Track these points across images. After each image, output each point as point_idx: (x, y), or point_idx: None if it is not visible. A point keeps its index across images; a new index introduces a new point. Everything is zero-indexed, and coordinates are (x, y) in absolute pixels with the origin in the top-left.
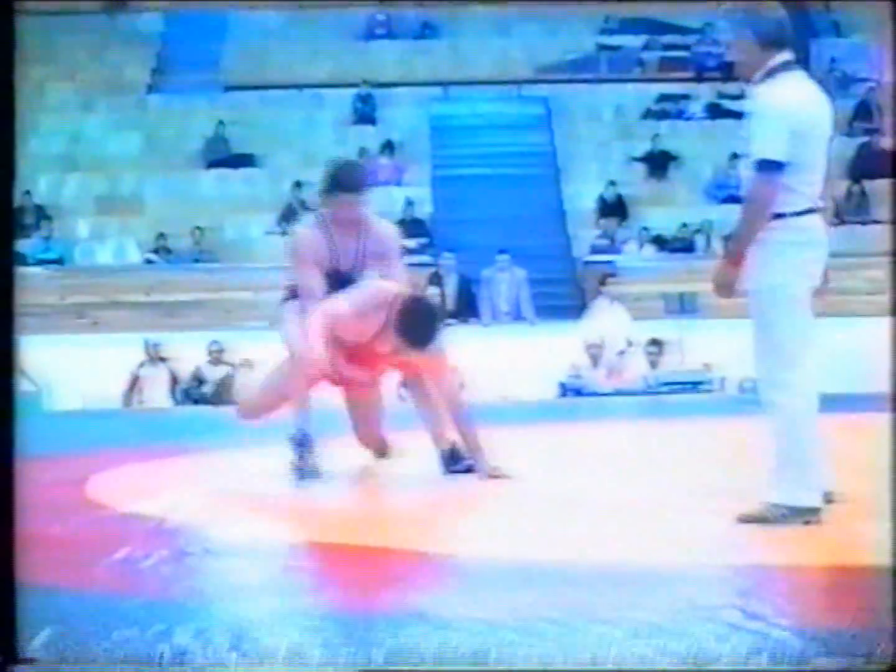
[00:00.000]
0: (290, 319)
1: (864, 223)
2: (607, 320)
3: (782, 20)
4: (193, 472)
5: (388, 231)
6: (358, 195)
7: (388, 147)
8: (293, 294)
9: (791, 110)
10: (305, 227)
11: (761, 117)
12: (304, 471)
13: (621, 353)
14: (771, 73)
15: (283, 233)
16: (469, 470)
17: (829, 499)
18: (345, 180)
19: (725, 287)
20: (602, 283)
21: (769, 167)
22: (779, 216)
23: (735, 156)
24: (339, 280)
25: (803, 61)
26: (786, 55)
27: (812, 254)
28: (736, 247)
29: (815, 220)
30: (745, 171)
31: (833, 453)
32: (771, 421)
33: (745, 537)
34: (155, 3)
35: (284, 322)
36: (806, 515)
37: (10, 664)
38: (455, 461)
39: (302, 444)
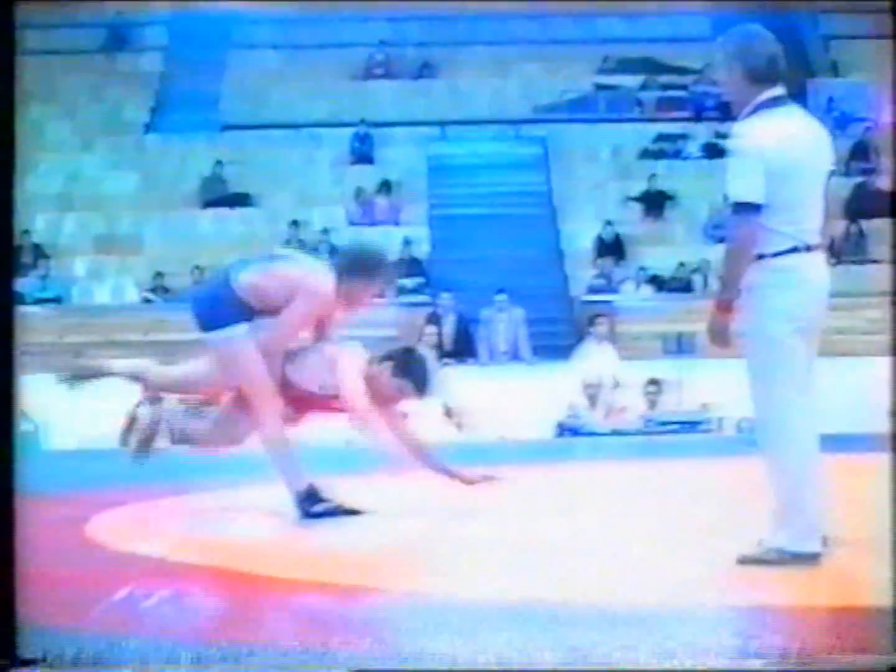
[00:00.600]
0: (252, 357)
1: (861, 263)
2: (595, 360)
3: (774, 55)
4: (192, 512)
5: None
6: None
7: (386, 186)
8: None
9: (769, 149)
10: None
11: (738, 157)
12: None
13: (611, 390)
14: (757, 110)
15: None
16: (331, 513)
17: (825, 543)
18: (384, 271)
19: (719, 335)
20: (590, 323)
21: (745, 209)
22: (758, 257)
23: None
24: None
25: (800, 100)
26: (775, 91)
27: (797, 295)
28: (723, 293)
29: (801, 260)
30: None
31: (832, 494)
32: (768, 465)
33: (743, 578)
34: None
35: (246, 359)
36: (806, 561)
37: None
38: (313, 502)
39: (311, 496)
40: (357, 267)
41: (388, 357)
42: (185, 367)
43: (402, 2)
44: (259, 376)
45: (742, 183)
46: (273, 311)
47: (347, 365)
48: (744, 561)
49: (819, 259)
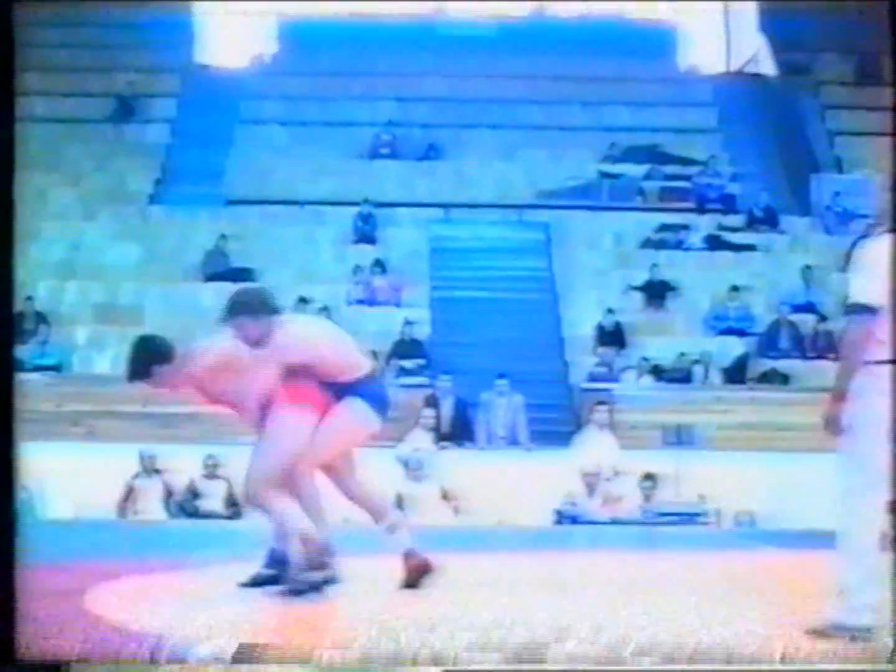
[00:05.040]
0: None
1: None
2: (595, 448)
3: None
4: (189, 587)
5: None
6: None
7: (380, 266)
8: None
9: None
10: None
11: (864, 266)
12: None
13: (607, 479)
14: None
15: None
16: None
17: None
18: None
19: (832, 423)
20: (591, 410)
21: (864, 310)
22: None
23: (735, 288)
24: None
25: (805, 195)
26: None
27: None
28: (838, 385)
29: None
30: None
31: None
32: (841, 546)
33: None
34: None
35: None
36: (864, 633)
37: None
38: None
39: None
40: (245, 308)
41: None
42: None
43: (410, 82)
44: None
45: (865, 287)
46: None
47: None
48: (808, 632)
49: None
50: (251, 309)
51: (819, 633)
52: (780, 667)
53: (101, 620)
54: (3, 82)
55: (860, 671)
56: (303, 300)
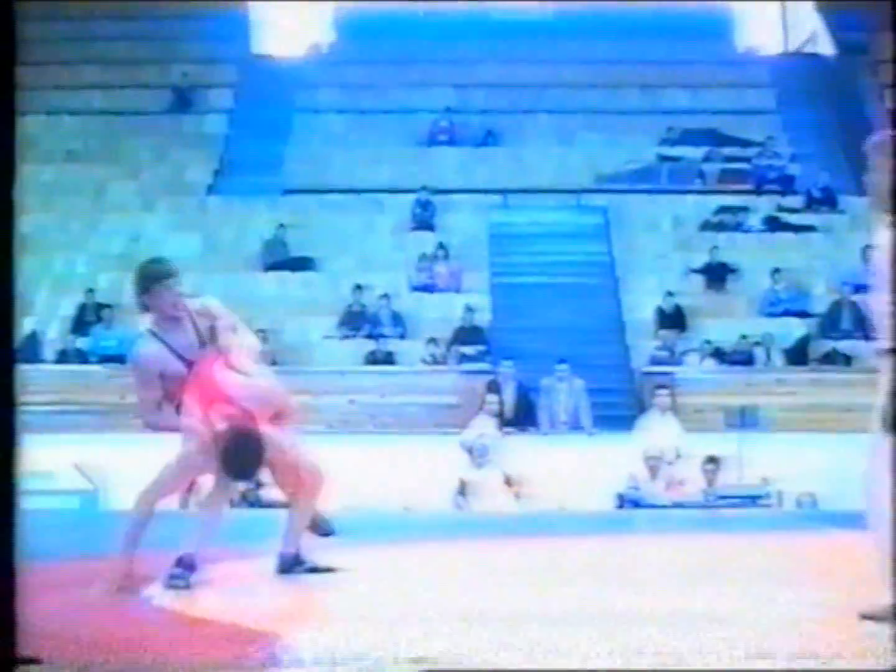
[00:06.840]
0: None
1: None
2: (658, 432)
3: None
4: (252, 577)
5: (206, 304)
6: (167, 282)
7: (443, 250)
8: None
9: None
10: (141, 347)
11: None
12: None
13: (669, 463)
14: None
15: (343, 337)
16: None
17: None
18: (151, 274)
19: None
20: (653, 394)
21: None
22: None
23: (777, 270)
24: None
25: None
26: None
27: None
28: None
29: None
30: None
31: None
32: None
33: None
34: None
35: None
36: None
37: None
38: (296, 564)
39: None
40: (144, 281)
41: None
42: None
43: (467, 68)
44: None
45: None
46: None
47: None
48: (867, 617)
49: None
50: (160, 278)
51: (880, 615)
52: (791, 666)
53: (164, 611)
54: (2, 77)
55: (864, 670)
56: (359, 287)
